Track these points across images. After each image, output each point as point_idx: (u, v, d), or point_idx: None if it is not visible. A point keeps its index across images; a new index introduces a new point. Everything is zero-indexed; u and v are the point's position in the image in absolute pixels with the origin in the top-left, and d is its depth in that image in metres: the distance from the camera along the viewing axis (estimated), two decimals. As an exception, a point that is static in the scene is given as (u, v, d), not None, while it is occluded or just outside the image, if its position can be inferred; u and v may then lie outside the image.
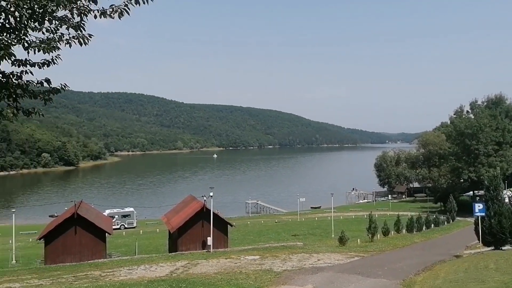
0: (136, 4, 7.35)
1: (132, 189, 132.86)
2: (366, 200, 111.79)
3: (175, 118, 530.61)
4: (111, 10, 7.26)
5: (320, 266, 22.61)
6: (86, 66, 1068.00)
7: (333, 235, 44.50)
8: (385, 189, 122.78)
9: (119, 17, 7.31)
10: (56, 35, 7.94)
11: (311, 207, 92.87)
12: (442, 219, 54.96)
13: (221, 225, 32.01)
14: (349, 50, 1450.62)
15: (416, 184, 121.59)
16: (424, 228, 45.97)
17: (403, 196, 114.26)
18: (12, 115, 7.30)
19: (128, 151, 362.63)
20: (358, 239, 35.92)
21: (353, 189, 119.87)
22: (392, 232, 40.82)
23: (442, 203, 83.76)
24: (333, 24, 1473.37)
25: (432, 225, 49.16)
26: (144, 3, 7.46)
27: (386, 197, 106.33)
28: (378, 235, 37.61)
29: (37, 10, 7.45)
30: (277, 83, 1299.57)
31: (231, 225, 33.51)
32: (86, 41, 7.73)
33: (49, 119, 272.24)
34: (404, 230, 42.45)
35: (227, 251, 29.49)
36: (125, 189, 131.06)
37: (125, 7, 7.16)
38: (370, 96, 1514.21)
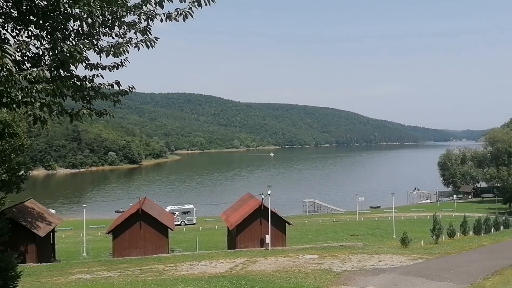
0: (199, 6, 7.53)
1: (191, 186, 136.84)
2: (429, 201, 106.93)
3: (232, 117, 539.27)
4: (176, 13, 7.49)
5: (382, 267, 21.93)
6: (148, 68, 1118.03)
7: (394, 236, 43.03)
8: (450, 189, 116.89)
9: (184, 20, 7.52)
10: (125, 40, 8.34)
11: (370, 207, 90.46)
12: (513, 221, 51.19)
13: (279, 223, 32.05)
14: (408, 45, 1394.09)
15: (483, 184, 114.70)
16: (492, 230, 43.04)
17: (469, 197, 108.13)
18: (88, 116, 7.75)
19: (187, 150, 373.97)
20: (422, 241, 34.38)
21: (415, 188, 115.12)
22: (458, 234, 38.65)
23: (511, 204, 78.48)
24: (393, 19, 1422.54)
25: (502, 227, 46.00)
26: (206, 5, 7.61)
27: (450, 197, 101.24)
28: (443, 237, 35.77)
29: (108, 16, 7.85)
30: (333, 81, 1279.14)
31: (289, 224, 33.43)
32: (153, 44, 8.04)
33: (115, 119, 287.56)
34: (471, 232, 40.05)
35: (285, 250, 29.48)
36: (184, 187, 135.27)
37: (189, 10, 7.35)
38: (432, 92, 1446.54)
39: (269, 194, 31.41)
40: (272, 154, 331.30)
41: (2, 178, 24.04)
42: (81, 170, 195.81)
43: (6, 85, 6.29)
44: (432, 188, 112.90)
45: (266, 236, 30.54)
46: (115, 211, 77.44)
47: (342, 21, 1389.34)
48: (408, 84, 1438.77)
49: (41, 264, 28.01)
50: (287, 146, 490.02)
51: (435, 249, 30.02)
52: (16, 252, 19.06)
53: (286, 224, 32.78)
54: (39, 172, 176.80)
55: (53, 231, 33.58)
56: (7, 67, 4.76)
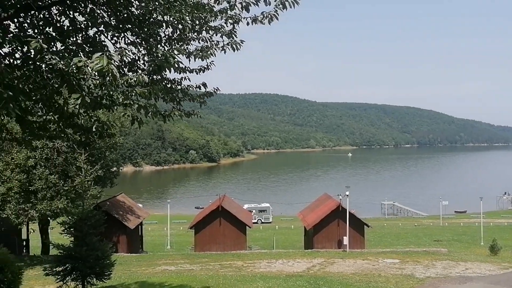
0: (283, 8, 7.60)
1: (266, 185, 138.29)
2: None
3: (308, 117, 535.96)
4: (261, 16, 7.63)
5: (469, 275, 20.42)
6: (226, 69, 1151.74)
7: (482, 243, 39.87)
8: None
9: (269, 23, 7.64)
10: (212, 43, 8.69)
11: (455, 212, 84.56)
12: None
13: (357, 225, 31.25)
14: (496, 42, 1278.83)
15: None
16: None
17: None
18: (179, 116, 8.21)
19: (263, 149, 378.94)
20: (514, 250, 31.47)
21: (506, 193, 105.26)
22: (561, 244, 34.75)
23: None
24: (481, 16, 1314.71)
25: None
26: (290, 7, 7.66)
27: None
28: (541, 247, 32.40)
29: (197, 21, 8.23)
30: (415, 78, 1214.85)
31: (368, 226, 32.46)
32: (239, 46, 8.28)
33: (195, 119, 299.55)
34: None
35: (363, 252, 28.67)
36: (259, 186, 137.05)
37: (275, 13, 7.45)
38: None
39: (347, 195, 30.78)
40: (350, 154, 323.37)
41: (98, 173, 26.22)
42: (165, 167, 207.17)
43: (109, 89, 6.88)
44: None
45: (344, 237, 29.94)
46: (195, 207, 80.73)
47: (426, 14, 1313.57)
48: (498, 81, 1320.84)
49: (131, 254, 30.12)
50: (364, 147, 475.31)
51: (531, 259, 27.25)
52: (110, 243, 20.75)
53: (365, 226, 31.87)
54: (128, 168, 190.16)
55: (141, 224, 35.86)
56: (113, 72, 5.19)
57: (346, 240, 29.73)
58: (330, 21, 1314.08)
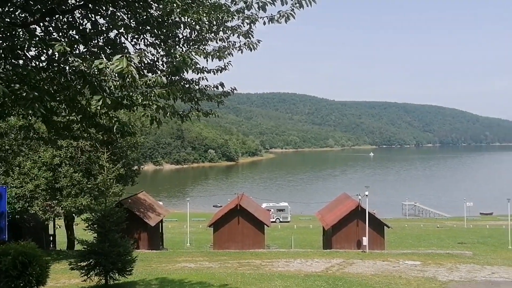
0: (300, 7, 7.63)
1: (283, 184, 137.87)
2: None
3: (326, 116, 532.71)
4: (278, 16, 7.69)
5: (496, 280, 19.91)
6: (244, 69, 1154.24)
7: (510, 247, 38.78)
8: None
9: (286, 22, 7.69)
10: (229, 43, 8.78)
11: (480, 213, 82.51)
12: None
13: (377, 225, 30.93)
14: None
15: None
16: None
17: None
18: (196, 117, 8.33)
19: (281, 148, 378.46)
20: (544, 254, 30.54)
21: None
22: None
23: None
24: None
25: None
26: (307, 5, 7.68)
27: None
28: None
29: (214, 22, 8.33)
30: (437, 76, 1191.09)
31: (388, 226, 32.08)
32: (255, 46, 8.36)
33: (214, 118, 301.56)
34: None
35: (383, 253, 28.36)
36: (275, 185, 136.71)
37: (292, 12, 7.49)
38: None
39: (366, 195, 30.49)
40: (371, 153, 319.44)
41: (120, 172, 26.75)
42: (184, 166, 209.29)
43: (129, 90, 7.05)
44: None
45: (364, 238, 29.68)
46: (213, 206, 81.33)
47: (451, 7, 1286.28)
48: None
49: (152, 251, 30.58)
50: (384, 146, 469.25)
51: (561, 264, 26.37)
52: (132, 239, 21.13)
53: (385, 227, 31.51)
54: (148, 167, 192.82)
55: (161, 221, 36.36)
56: (132, 74, 5.32)
57: (365, 241, 29.46)
58: (349, 19, 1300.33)
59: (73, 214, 27.92)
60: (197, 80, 9.29)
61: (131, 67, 5.38)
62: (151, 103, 7.78)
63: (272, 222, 58.79)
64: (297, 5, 7.42)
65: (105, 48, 8.27)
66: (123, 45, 8.63)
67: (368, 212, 29.99)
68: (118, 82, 6.29)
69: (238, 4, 7.95)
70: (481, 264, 24.45)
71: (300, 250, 30.72)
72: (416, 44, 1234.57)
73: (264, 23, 7.94)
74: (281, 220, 69.06)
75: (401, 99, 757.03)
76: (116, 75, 5.66)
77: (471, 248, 37.82)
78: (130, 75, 5.41)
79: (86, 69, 6.74)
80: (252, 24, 8.21)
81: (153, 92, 7.15)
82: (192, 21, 8.07)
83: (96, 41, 8.39)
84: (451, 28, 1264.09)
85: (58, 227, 32.26)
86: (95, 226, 15.87)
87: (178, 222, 64.78)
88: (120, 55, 5.37)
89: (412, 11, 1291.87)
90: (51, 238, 32.69)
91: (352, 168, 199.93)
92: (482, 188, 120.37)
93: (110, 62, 5.47)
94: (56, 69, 7.88)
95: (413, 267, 22.99)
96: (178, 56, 7.40)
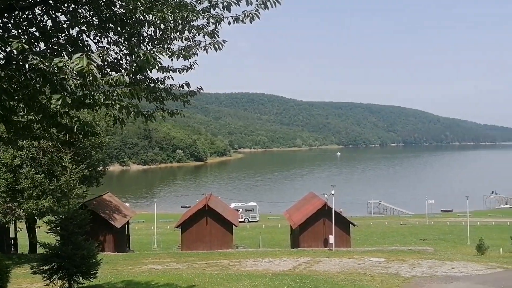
0: (265, 8, 7.70)
1: (251, 184, 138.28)
2: (509, 205, 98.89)
3: (294, 116, 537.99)
4: (243, 16, 7.74)
5: (455, 275, 20.72)
6: (212, 69, 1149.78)
7: (469, 242, 40.51)
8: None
9: (251, 22, 7.74)
10: (194, 43, 8.74)
11: (441, 211, 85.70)
12: None
13: (343, 224, 31.55)
14: (483, 40, 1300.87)
15: None
16: None
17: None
18: (161, 117, 8.25)
19: (250, 148, 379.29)
20: (501, 249, 31.99)
21: (493, 192, 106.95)
22: (545, 242, 35.33)
23: None
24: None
25: None
26: (272, 6, 7.77)
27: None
28: (527, 245, 32.96)
29: (179, 21, 8.28)
30: (400, 78, 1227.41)
31: (353, 225, 32.77)
32: (221, 46, 8.36)
33: (182, 118, 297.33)
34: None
35: (349, 251, 28.97)
36: (244, 185, 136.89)
37: (256, 12, 7.56)
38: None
39: (332, 194, 31.05)
40: (338, 153, 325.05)
41: (84, 173, 26.11)
42: (152, 166, 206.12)
43: (91, 89, 6.90)
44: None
45: (330, 236, 30.21)
46: (181, 206, 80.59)
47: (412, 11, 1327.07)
48: (484, 81, 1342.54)
49: (118, 253, 29.99)
50: (350, 146, 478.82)
51: (516, 258, 27.79)
52: (96, 242, 20.65)
53: (351, 225, 32.18)
54: (114, 168, 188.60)
55: (128, 223, 35.74)
56: (93, 73, 5.22)
57: (332, 239, 29.98)
58: (316, 23, 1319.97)
59: (35, 217, 27.04)
60: (162, 80, 9.20)
61: (92, 65, 5.28)
62: (114, 103, 7.64)
63: (240, 222, 58.86)
64: (262, 5, 7.50)
65: (67, 46, 8.05)
66: (86, 43, 8.43)
67: (335, 211, 30.53)
68: (78, 81, 6.15)
69: (203, 4, 7.94)
70: (442, 260, 25.39)
71: (268, 250, 30.91)
72: (380, 45, 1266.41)
73: (229, 23, 7.98)
74: (249, 220, 69.25)
75: (366, 100, 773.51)
76: (77, 73, 5.54)
77: (433, 244, 39.26)
78: (90, 74, 5.30)
79: (45, 68, 6.54)
80: (217, 24, 8.22)
81: (116, 92, 7.03)
82: (156, 19, 7.98)
83: (57, 39, 8.16)
84: (414, 31, 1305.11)
85: (19, 230, 31.11)
86: (57, 228, 15.46)
87: (145, 223, 63.75)
88: (80, 54, 5.26)
89: (380, 11, 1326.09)
90: (12, 242, 31.48)
91: (320, 168, 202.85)
92: (443, 186, 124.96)
93: (70, 61, 5.34)
94: (14, 67, 7.61)
95: (378, 263, 23.61)
96: (141, 55, 7.32)
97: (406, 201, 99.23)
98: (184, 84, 9.27)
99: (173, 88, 9.26)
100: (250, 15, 7.61)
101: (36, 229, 30.75)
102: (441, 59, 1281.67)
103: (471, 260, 26.61)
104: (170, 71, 9.01)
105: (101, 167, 32.21)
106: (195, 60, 8.82)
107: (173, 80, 9.22)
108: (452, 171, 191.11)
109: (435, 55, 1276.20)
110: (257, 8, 7.53)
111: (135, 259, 26.67)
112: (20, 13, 7.77)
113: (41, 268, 14.92)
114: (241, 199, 79.73)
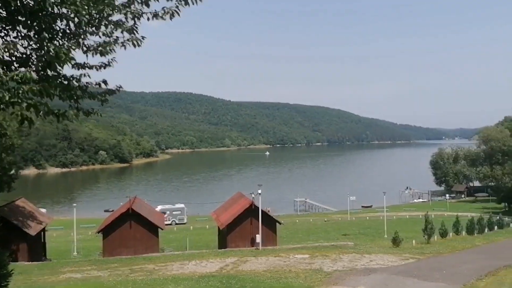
0: (185, 5, 7.55)
1: (178, 186, 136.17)
2: (421, 200, 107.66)
3: (223, 116, 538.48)
4: (162, 12, 7.51)
5: (373, 267, 22.05)
6: (138, 67, 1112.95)
7: (385, 236, 43.28)
8: (442, 188, 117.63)
9: (170, 18, 7.55)
10: (111, 39, 8.30)
11: (362, 206, 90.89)
12: (507, 221, 51.71)
13: (270, 222, 32.07)
14: (397, 45, 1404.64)
15: (476, 183, 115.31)
16: (486, 230, 42.97)
17: (462, 196, 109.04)
18: (74, 116, 7.72)
19: (178, 149, 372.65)
20: (413, 241, 34.57)
21: (407, 188, 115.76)
22: (451, 233, 38.78)
23: (506, 204, 79.18)
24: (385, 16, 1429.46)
25: (496, 227, 46.04)
26: (193, 3, 7.64)
27: (443, 197, 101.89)
28: (435, 237, 35.92)
29: (95, 15, 7.81)
30: (324, 78, 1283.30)
31: (280, 223, 33.46)
32: (140, 43, 8.03)
33: (105, 118, 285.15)
34: (463, 232, 40.17)
35: (276, 249, 29.54)
36: (171, 186, 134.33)
37: (176, 9, 7.38)
38: (424, 91, 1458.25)
39: (259, 193, 31.43)
40: (267, 153, 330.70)
41: (-9, 177, 23.90)
42: (72, 169, 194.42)
43: (-7, 86, 6.25)
44: (424, 187, 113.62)
45: (257, 235, 30.54)
46: (104, 211, 77.08)
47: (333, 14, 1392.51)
48: (400, 83, 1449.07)
49: (32, 263, 27.90)
50: (278, 145, 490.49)
51: (427, 249, 30.11)
52: (8, 251, 18.89)
53: (277, 223, 32.81)
54: (30, 171, 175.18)
55: (44, 230, 33.44)
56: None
57: (259, 238, 30.34)
58: (245, 21, 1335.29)
59: None
60: (78, 77, 8.61)
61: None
62: (20, 101, 7.01)
63: (167, 224, 57.64)
64: (182, 2, 7.34)
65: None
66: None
67: (261, 210, 30.93)
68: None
69: (121, -2, 7.58)
70: (361, 253, 26.87)
71: (195, 252, 30.50)
72: (302, 46, 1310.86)
73: (148, 19, 7.71)
74: (177, 222, 68.03)
75: (292, 100, 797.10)
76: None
77: (353, 239, 41.47)
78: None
79: None
80: (136, 20, 7.89)
81: (22, 89, 6.45)
82: (70, 12, 7.46)
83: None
84: (335, 33, 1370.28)
85: None
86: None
87: (64, 230, 59.89)
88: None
89: (310, 14, 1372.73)
90: None
91: (248, 167, 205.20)
92: (364, 183, 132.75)
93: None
94: None
95: (302, 260, 24.36)
96: (51, 49, 6.79)
97: (330, 198, 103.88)
98: (101, 82, 8.76)
99: (90, 86, 8.72)
100: (170, 11, 7.42)
101: None
102: (363, 61, 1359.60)
103: (387, 252, 28.44)
104: (86, 68, 8.47)
105: (13, 171, 29.70)
106: (114, 57, 8.40)
107: (90, 77, 8.69)
108: (371, 168, 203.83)
109: (357, 58, 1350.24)
110: (177, 4, 7.35)
111: (52, 268, 24.89)
112: None
113: None
114: (168, 201, 78.06)
